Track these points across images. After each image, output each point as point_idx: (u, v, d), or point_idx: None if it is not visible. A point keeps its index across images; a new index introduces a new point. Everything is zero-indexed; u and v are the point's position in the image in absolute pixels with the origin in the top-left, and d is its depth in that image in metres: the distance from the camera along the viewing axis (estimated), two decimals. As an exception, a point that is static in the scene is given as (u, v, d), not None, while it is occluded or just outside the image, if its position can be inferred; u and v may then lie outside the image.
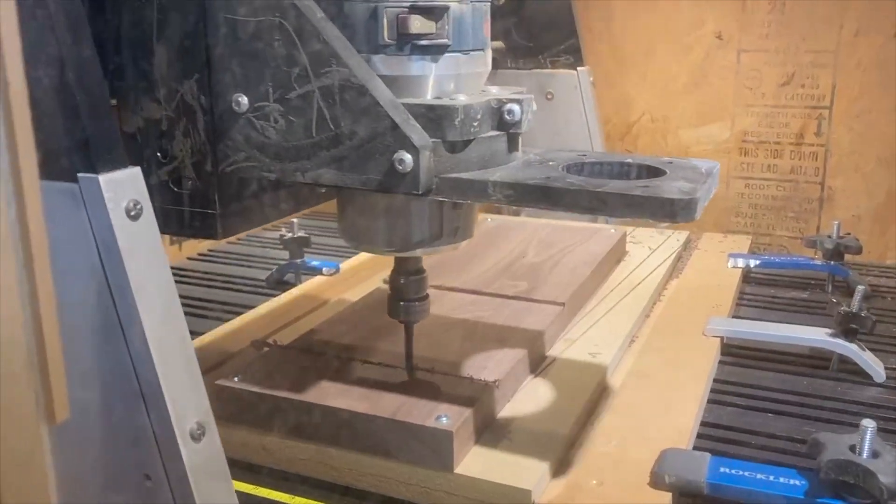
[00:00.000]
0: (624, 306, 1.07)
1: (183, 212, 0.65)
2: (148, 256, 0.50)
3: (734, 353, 0.98)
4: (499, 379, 0.77)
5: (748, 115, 1.59)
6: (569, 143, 1.39)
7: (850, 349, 0.92)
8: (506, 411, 0.78)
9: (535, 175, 0.62)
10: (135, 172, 0.51)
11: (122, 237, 0.48)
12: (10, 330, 0.33)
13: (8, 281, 0.33)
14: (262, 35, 0.60)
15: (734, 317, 1.10)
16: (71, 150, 0.49)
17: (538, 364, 0.88)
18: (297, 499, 0.71)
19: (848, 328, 0.92)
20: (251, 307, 1.08)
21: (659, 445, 0.72)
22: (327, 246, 1.40)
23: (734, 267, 1.25)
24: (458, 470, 0.69)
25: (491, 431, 0.75)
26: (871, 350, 0.93)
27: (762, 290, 1.22)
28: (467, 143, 0.62)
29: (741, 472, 0.67)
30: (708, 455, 0.70)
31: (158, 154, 0.64)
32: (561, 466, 0.72)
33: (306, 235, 1.23)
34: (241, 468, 0.73)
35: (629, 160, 0.67)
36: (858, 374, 0.91)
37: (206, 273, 1.29)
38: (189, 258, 1.37)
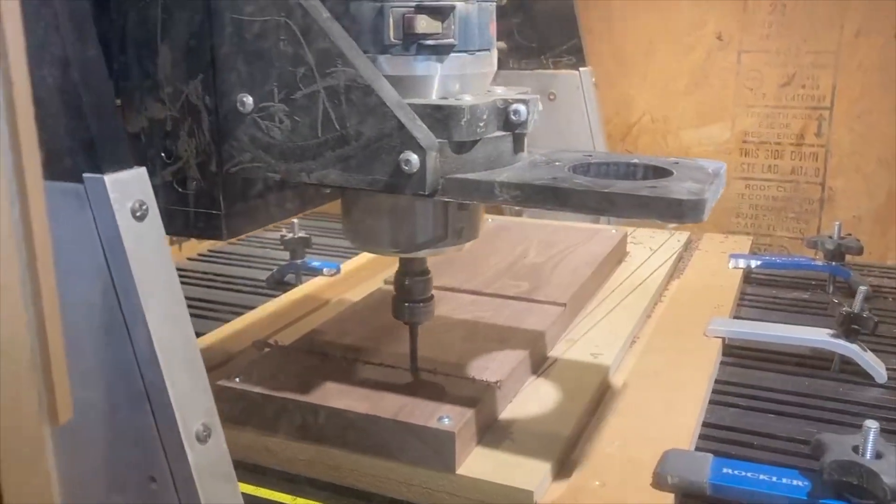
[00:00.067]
0: (625, 307, 1.07)
1: (187, 212, 0.65)
2: (153, 257, 0.50)
3: (735, 353, 0.98)
4: (500, 380, 0.77)
5: (749, 115, 1.59)
6: (571, 144, 1.39)
7: (852, 350, 0.92)
8: (507, 412, 0.78)
9: (542, 175, 0.61)
10: (140, 173, 0.51)
11: (128, 238, 0.48)
12: (13, 330, 0.33)
13: (11, 281, 0.32)
14: (267, 35, 0.60)
15: (735, 317, 1.10)
16: (76, 150, 0.48)
17: (540, 365, 0.88)
18: (299, 500, 0.71)
19: (849, 329, 0.92)
20: (252, 308, 1.08)
21: (661, 446, 0.72)
22: (328, 246, 1.39)
23: (735, 267, 1.25)
24: (460, 471, 0.68)
25: (493, 432, 0.74)
26: (873, 351, 0.93)
27: (763, 291, 1.22)
28: (473, 143, 0.61)
29: (744, 473, 0.67)
30: (710, 456, 0.70)
31: (163, 154, 0.64)
32: (563, 467, 0.72)
33: (307, 236, 1.23)
34: (243, 469, 0.73)
35: (635, 160, 0.67)
36: (860, 375, 0.91)
37: (207, 273, 1.28)
38: (189, 258, 1.37)
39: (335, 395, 0.75)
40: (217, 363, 0.89)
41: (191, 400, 0.50)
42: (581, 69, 1.44)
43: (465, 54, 0.64)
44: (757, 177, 1.61)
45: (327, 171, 0.61)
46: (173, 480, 0.49)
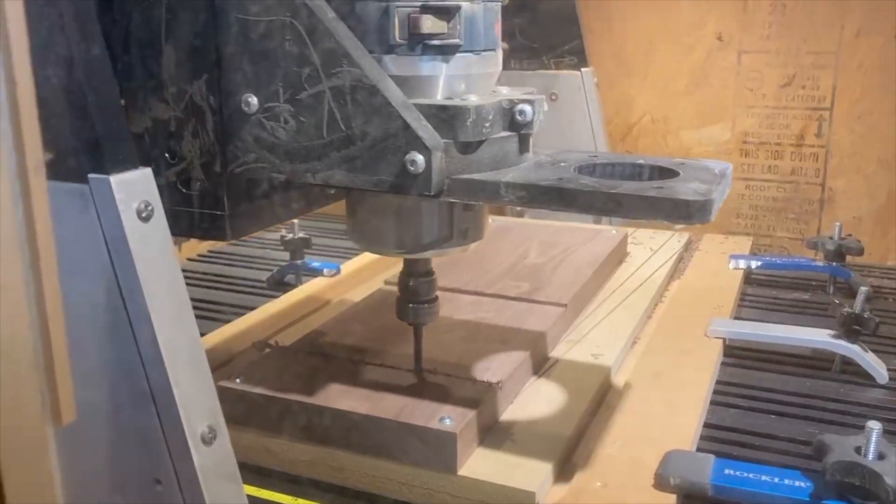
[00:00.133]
0: (626, 307, 1.07)
1: (192, 213, 0.65)
2: (159, 258, 0.49)
3: (736, 354, 0.98)
4: (502, 380, 0.77)
5: (749, 116, 1.59)
6: (573, 145, 1.39)
7: (853, 350, 0.92)
8: (509, 413, 0.78)
9: (548, 176, 0.61)
10: (146, 173, 0.50)
11: (133, 238, 0.48)
12: (16, 330, 0.33)
13: (14, 281, 0.32)
14: (272, 35, 0.59)
15: (736, 318, 1.10)
16: (81, 151, 0.48)
17: (541, 365, 0.88)
18: (300, 500, 0.71)
19: (851, 329, 0.92)
20: (252, 308, 1.08)
21: (662, 447, 0.72)
22: (328, 247, 1.39)
23: (735, 268, 1.25)
24: (462, 472, 0.68)
25: (494, 433, 0.74)
26: (874, 351, 0.93)
27: (764, 292, 1.22)
28: (479, 143, 0.61)
29: (746, 474, 0.67)
30: (712, 457, 0.70)
31: (167, 155, 0.64)
32: (564, 468, 0.72)
33: (307, 236, 1.23)
34: (244, 470, 0.72)
35: (641, 161, 0.67)
36: (861, 376, 0.91)
37: (207, 274, 1.28)
38: (189, 259, 1.37)
39: (336, 396, 0.75)
40: (217, 364, 0.89)
41: (196, 401, 0.50)
42: (583, 69, 1.44)
43: (470, 54, 0.64)
44: (757, 177, 1.61)
45: (332, 172, 0.61)
46: (178, 482, 0.49)
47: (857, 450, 0.64)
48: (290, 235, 1.22)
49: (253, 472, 0.73)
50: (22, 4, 0.31)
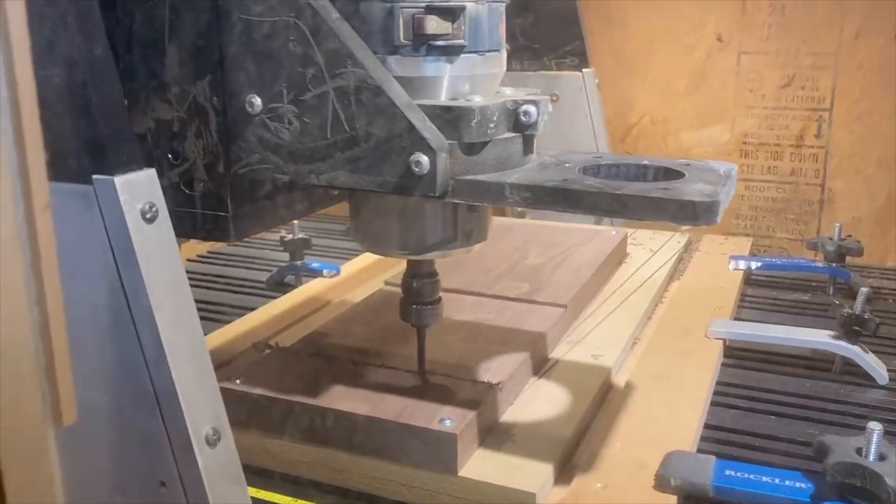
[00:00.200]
0: (626, 308, 1.07)
1: (195, 214, 0.64)
2: (163, 259, 0.49)
3: (736, 355, 0.98)
4: (502, 381, 0.77)
5: (748, 116, 1.59)
6: (574, 145, 1.39)
7: (853, 351, 0.92)
8: (509, 414, 0.78)
9: (553, 177, 0.61)
10: (150, 174, 0.50)
11: (138, 239, 0.48)
12: (17, 331, 0.33)
13: (15, 281, 0.32)
14: (276, 35, 0.59)
15: (736, 319, 1.10)
16: (85, 152, 0.48)
17: (541, 366, 0.88)
18: (300, 502, 0.71)
19: (851, 330, 0.92)
20: (252, 309, 1.08)
21: (663, 448, 0.72)
22: (328, 248, 1.39)
23: (735, 269, 1.25)
24: (462, 473, 0.68)
25: (494, 434, 0.74)
26: (874, 352, 0.93)
27: (764, 293, 1.22)
28: (483, 144, 0.61)
29: (746, 475, 0.67)
30: (713, 458, 0.70)
31: (170, 156, 0.64)
32: (565, 469, 0.72)
33: (307, 237, 1.23)
34: (244, 471, 0.72)
35: (645, 162, 0.67)
36: (861, 377, 0.91)
37: (207, 275, 1.28)
38: (189, 260, 1.36)
39: (337, 397, 0.75)
40: (217, 365, 0.89)
41: (200, 403, 0.49)
42: (584, 70, 1.44)
43: (475, 55, 0.64)
44: (757, 178, 1.61)
45: (336, 173, 0.60)
46: (182, 484, 0.49)
47: (858, 451, 0.64)
48: (290, 236, 1.22)
49: (253, 473, 0.73)
50: (23, 4, 0.31)
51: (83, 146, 0.48)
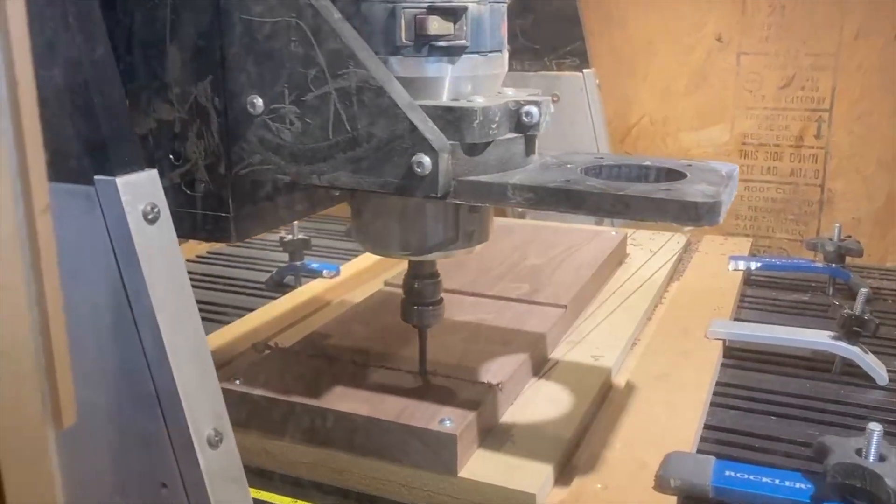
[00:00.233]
0: (626, 309, 1.07)
1: (196, 214, 0.64)
2: (165, 260, 0.49)
3: (736, 355, 0.98)
4: (502, 382, 0.77)
5: (748, 117, 1.59)
6: (574, 146, 1.39)
7: (853, 352, 0.92)
8: (509, 414, 0.78)
9: (555, 178, 0.61)
10: (152, 175, 0.50)
11: (140, 240, 0.48)
12: (17, 331, 0.33)
13: (15, 282, 0.32)
14: (278, 36, 0.59)
15: (736, 319, 1.10)
16: (87, 152, 0.48)
17: (541, 367, 0.88)
18: (300, 502, 0.70)
19: (851, 331, 0.92)
20: (251, 309, 1.08)
21: (663, 448, 0.72)
22: (327, 248, 1.39)
23: (735, 269, 1.25)
24: (462, 473, 0.68)
25: (494, 435, 0.74)
26: (874, 353, 0.93)
27: (763, 293, 1.22)
28: (486, 145, 0.61)
29: (746, 476, 0.67)
30: (713, 458, 0.70)
31: (171, 156, 0.63)
32: (565, 470, 0.72)
33: (306, 238, 1.23)
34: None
35: (647, 162, 0.67)
36: (861, 377, 0.91)
37: (206, 275, 1.28)
38: (188, 260, 1.36)
39: (336, 398, 0.74)
40: (217, 365, 0.88)
41: (202, 404, 0.49)
42: (584, 71, 1.44)
43: (476, 55, 0.63)
44: (756, 179, 1.61)
45: (338, 174, 0.60)
46: (184, 486, 0.49)
47: (858, 452, 0.64)
48: (290, 237, 1.22)
49: (253, 474, 0.73)
50: (23, 4, 0.30)
51: (85, 147, 0.48)
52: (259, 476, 0.73)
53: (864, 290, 0.95)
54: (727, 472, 0.68)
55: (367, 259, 1.22)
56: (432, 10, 0.60)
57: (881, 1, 1.45)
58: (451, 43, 0.62)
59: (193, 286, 1.29)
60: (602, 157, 0.69)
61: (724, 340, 0.98)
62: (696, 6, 1.58)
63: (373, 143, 0.59)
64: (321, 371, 0.80)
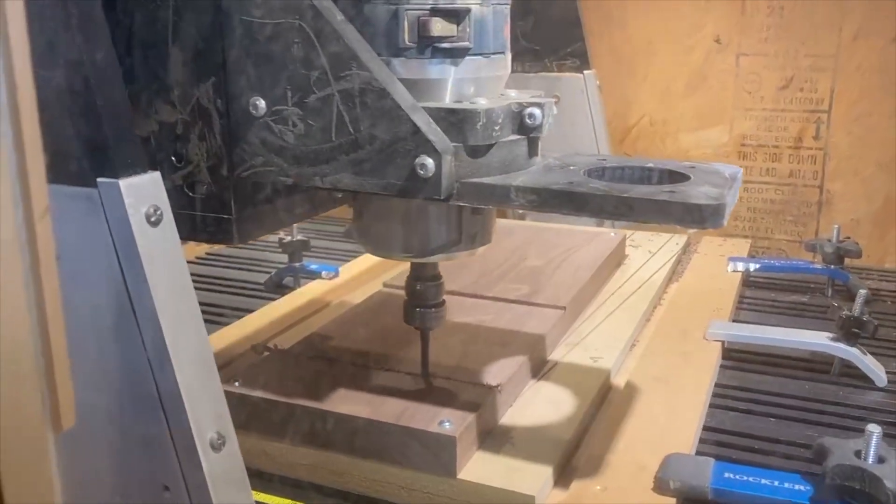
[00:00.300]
0: (624, 310, 1.07)
1: (198, 216, 0.64)
2: (168, 262, 0.49)
3: (735, 357, 0.98)
4: (501, 383, 0.77)
5: (747, 118, 1.59)
6: (575, 147, 1.38)
7: (852, 353, 0.92)
8: (508, 416, 0.78)
9: (558, 180, 0.61)
10: (155, 177, 0.50)
11: (142, 243, 0.48)
12: (16, 334, 0.32)
13: (14, 285, 0.32)
14: (280, 38, 0.59)
15: (734, 320, 1.10)
16: (90, 155, 0.48)
17: (540, 368, 0.88)
18: (299, 504, 0.70)
19: (850, 332, 0.92)
20: (250, 311, 1.08)
21: (662, 450, 0.72)
22: (326, 249, 1.39)
23: (734, 271, 1.25)
24: (461, 475, 0.68)
25: (493, 436, 0.74)
26: (873, 354, 0.93)
27: (762, 294, 1.22)
28: (489, 147, 0.61)
29: (745, 478, 0.67)
30: (712, 460, 0.70)
31: (173, 158, 0.63)
32: (564, 472, 0.72)
33: (305, 239, 1.23)
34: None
35: (650, 164, 0.67)
36: (860, 379, 0.91)
37: (205, 277, 1.28)
38: (187, 262, 1.36)
39: (336, 400, 0.74)
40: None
41: (205, 407, 0.49)
42: (585, 72, 1.44)
43: (479, 57, 0.63)
44: (755, 180, 1.61)
45: (341, 176, 0.60)
46: (187, 489, 0.49)
47: (857, 453, 0.64)
48: (289, 238, 1.22)
49: (252, 475, 0.73)
50: (23, 6, 0.30)
51: (87, 149, 0.48)
52: (258, 478, 0.73)
53: (862, 292, 0.95)
54: (726, 474, 0.68)
55: (366, 260, 1.22)
56: (435, 12, 0.60)
57: (880, 2, 1.45)
58: (454, 45, 0.62)
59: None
60: (605, 159, 0.69)
61: (723, 342, 0.98)
62: (696, 7, 1.58)
63: (376, 145, 0.58)
64: (320, 373, 0.80)
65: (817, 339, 0.95)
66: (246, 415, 0.75)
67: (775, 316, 1.13)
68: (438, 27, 0.60)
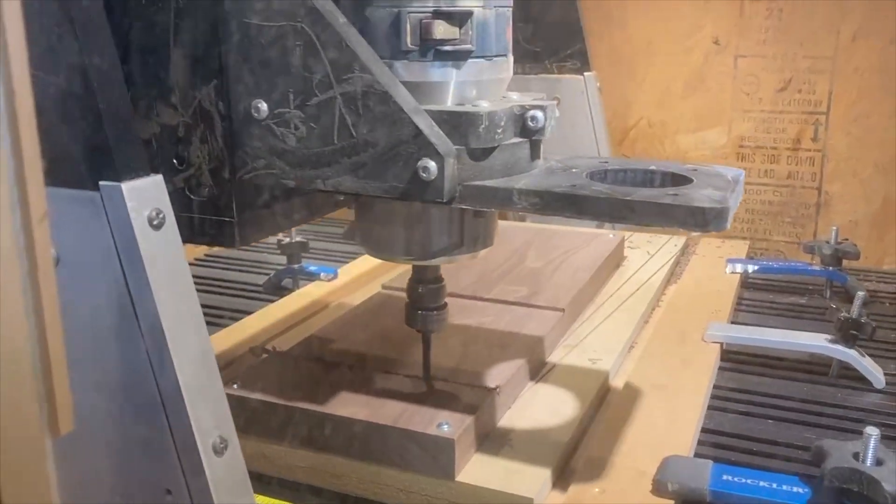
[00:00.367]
0: (623, 312, 1.07)
1: (199, 219, 0.64)
2: (170, 266, 0.49)
3: (734, 358, 0.98)
4: (500, 385, 0.77)
5: (745, 120, 1.59)
6: (575, 149, 1.39)
7: (850, 355, 0.92)
8: (506, 418, 0.78)
9: (561, 182, 0.61)
10: (157, 180, 0.50)
11: (145, 246, 0.47)
12: (13, 340, 0.32)
13: (12, 289, 0.32)
14: (282, 40, 0.59)
15: (733, 322, 1.10)
16: (92, 158, 0.48)
17: (538, 370, 0.88)
18: (298, 507, 0.70)
19: (848, 334, 0.92)
20: (249, 313, 1.08)
21: (660, 452, 0.72)
22: (325, 251, 1.39)
23: (732, 272, 1.25)
24: (460, 478, 0.68)
25: (492, 439, 0.74)
26: (871, 356, 0.93)
27: (760, 296, 1.22)
28: (491, 150, 0.61)
29: (744, 480, 0.67)
30: (710, 462, 0.70)
31: (174, 161, 0.63)
32: (562, 474, 0.72)
33: (304, 240, 1.23)
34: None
35: (653, 167, 0.67)
36: (858, 381, 0.91)
37: (203, 278, 1.28)
38: (186, 263, 1.36)
39: (334, 402, 0.74)
40: (214, 369, 0.89)
41: (208, 411, 0.49)
42: (585, 74, 1.44)
43: (482, 60, 0.63)
44: (753, 181, 1.61)
45: (343, 179, 0.60)
46: (189, 493, 0.49)
47: (855, 456, 0.64)
48: (288, 239, 1.22)
49: (251, 478, 0.73)
50: (20, 11, 0.30)
51: (90, 152, 0.48)
52: (257, 480, 0.73)
53: (860, 293, 0.95)
54: (724, 476, 0.68)
55: (365, 262, 1.22)
56: (438, 15, 0.60)
57: (878, 4, 1.45)
58: (457, 47, 0.61)
59: (191, 289, 1.27)
60: (607, 162, 0.69)
61: (721, 343, 0.99)
62: (694, 9, 1.58)
63: (378, 148, 0.58)
64: (319, 375, 0.80)
65: (815, 341, 0.95)
66: (244, 417, 0.75)
67: (774, 318, 1.13)
68: (441, 30, 0.60)
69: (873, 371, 0.91)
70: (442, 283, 0.75)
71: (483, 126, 0.59)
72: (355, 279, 1.19)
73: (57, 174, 0.48)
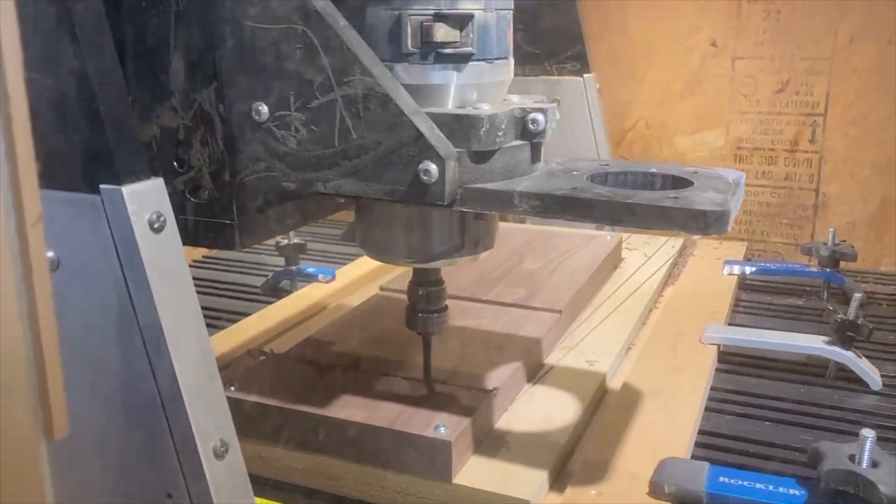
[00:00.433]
0: (621, 313, 1.07)
1: (200, 222, 0.64)
2: (171, 269, 0.49)
3: (731, 360, 0.98)
4: (497, 387, 0.77)
5: (743, 122, 1.60)
6: (574, 151, 1.39)
7: (847, 357, 0.92)
8: (504, 420, 0.78)
9: (562, 185, 0.61)
10: (158, 184, 0.50)
11: (145, 249, 0.47)
12: (7, 343, 0.32)
13: (6, 294, 0.32)
14: (283, 43, 0.58)
15: (730, 324, 1.10)
16: (93, 161, 0.48)
17: (536, 372, 0.88)
18: (295, 509, 0.70)
19: (845, 336, 0.92)
20: (246, 314, 1.08)
21: (657, 454, 0.72)
22: (323, 252, 1.39)
23: (730, 274, 1.25)
24: (457, 480, 0.68)
25: (489, 441, 0.74)
26: (868, 357, 0.93)
27: (758, 297, 1.22)
28: (492, 152, 0.61)
29: (740, 482, 0.67)
30: (707, 464, 0.70)
31: (175, 163, 0.63)
32: (559, 476, 0.72)
33: (302, 242, 1.22)
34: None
35: (653, 170, 0.67)
36: (855, 382, 0.92)
37: (201, 280, 1.28)
38: (184, 265, 1.36)
39: (331, 404, 0.74)
40: (212, 371, 0.89)
41: (209, 415, 0.49)
42: (585, 75, 1.44)
43: (483, 63, 0.63)
44: (751, 183, 1.61)
45: (343, 181, 0.60)
46: (190, 497, 0.49)
47: (852, 458, 0.64)
48: (285, 241, 1.22)
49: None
50: (14, 15, 0.30)
51: (90, 155, 0.48)
52: (254, 482, 0.73)
53: (857, 295, 0.95)
54: (721, 479, 0.68)
55: (363, 263, 1.22)
56: (438, 18, 0.60)
57: (876, 5, 1.46)
58: (458, 50, 0.61)
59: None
60: (607, 164, 0.69)
61: (718, 345, 0.99)
62: (692, 11, 1.58)
63: (379, 151, 0.58)
64: (316, 377, 0.80)
65: (812, 343, 0.95)
66: (241, 419, 0.75)
67: (771, 319, 1.13)
68: (442, 33, 0.60)
69: (870, 373, 0.91)
70: (442, 285, 0.75)
71: (484, 129, 0.59)
72: (353, 281, 1.19)
73: (57, 177, 0.48)
